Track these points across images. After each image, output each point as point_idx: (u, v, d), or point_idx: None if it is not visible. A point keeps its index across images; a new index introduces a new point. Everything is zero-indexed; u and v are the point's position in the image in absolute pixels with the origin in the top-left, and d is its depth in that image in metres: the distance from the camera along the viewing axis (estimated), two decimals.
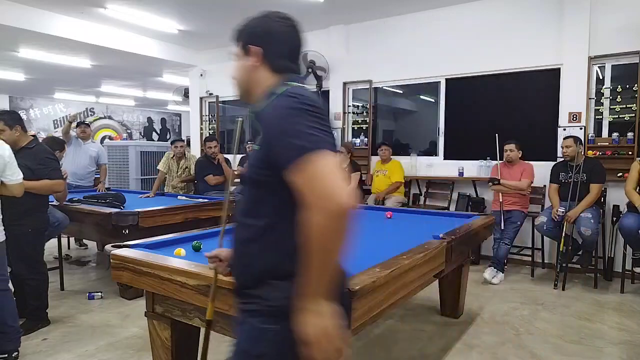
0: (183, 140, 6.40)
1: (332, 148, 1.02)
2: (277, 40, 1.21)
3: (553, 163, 4.71)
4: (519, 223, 4.62)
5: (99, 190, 5.34)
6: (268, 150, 1.07)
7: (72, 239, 6.11)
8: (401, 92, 6.58)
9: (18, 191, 2.79)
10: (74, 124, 5.84)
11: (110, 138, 12.67)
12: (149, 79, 9.88)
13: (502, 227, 4.60)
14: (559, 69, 4.92)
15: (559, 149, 4.73)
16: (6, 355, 2.73)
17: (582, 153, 4.47)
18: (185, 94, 8.74)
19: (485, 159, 5.28)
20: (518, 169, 4.71)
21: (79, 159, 5.67)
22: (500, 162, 4.83)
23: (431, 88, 5.97)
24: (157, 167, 5.95)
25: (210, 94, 7.95)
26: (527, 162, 4.76)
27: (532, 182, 4.67)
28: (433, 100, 5.97)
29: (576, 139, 4.39)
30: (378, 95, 6.43)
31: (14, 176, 2.75)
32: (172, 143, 6.04)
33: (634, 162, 4.15)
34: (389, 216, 3.72)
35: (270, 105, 1.10)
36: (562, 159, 4.56)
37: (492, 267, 4.50)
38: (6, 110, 3.61)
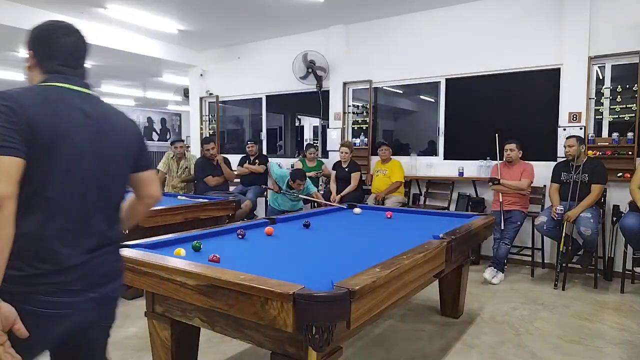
0: (183, 141, 6.39)
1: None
2: (46, 45, 1.33)
3: (553, 163, 4.71)
4: (519, 223, 4.62)
5: None
6: None
7: None
8: (401, 92, 6.58)
9: None
10: None
11: None
12: (149, 79, 9.87)
13: (502, 227, 4.59)
14: (559, 69, 4.92)
15: (559, 149, 4.73)
16: None
17: (585, 152, 4.47)
18: (185, 94, 8.73)
19: (485, 159, 5.28)
20: (518, 169, 4.71)
21: None
22: (500, 162, 4.83)
23: (431, 88, 5.97)
24: (157, 167, 5.93)
25: (210, 93, 7.94)
26: (527, 162, 4.76)
27: (532, 182, 4.67)
28: (433, 100, 5.97)
29: (578, 139, 4.39)
30: (378, 95, 6.42)
31: None
32: (171, 144, 6.03)
33: None
34: (389, 216, 3.72)
35: None
36: (564, 159, 4.56)
37: (492, 267, 4.50)
38: None
